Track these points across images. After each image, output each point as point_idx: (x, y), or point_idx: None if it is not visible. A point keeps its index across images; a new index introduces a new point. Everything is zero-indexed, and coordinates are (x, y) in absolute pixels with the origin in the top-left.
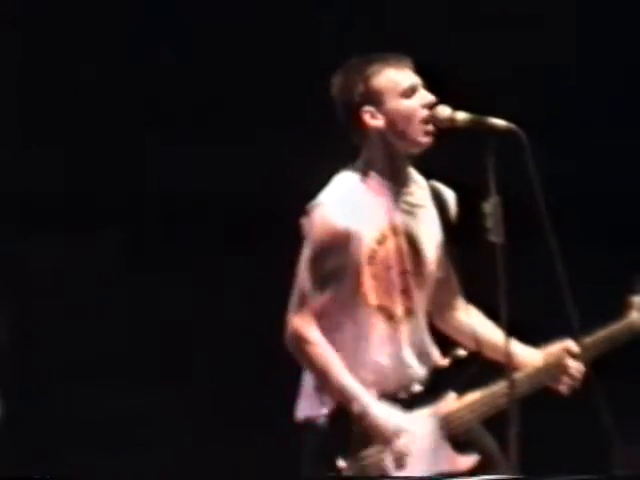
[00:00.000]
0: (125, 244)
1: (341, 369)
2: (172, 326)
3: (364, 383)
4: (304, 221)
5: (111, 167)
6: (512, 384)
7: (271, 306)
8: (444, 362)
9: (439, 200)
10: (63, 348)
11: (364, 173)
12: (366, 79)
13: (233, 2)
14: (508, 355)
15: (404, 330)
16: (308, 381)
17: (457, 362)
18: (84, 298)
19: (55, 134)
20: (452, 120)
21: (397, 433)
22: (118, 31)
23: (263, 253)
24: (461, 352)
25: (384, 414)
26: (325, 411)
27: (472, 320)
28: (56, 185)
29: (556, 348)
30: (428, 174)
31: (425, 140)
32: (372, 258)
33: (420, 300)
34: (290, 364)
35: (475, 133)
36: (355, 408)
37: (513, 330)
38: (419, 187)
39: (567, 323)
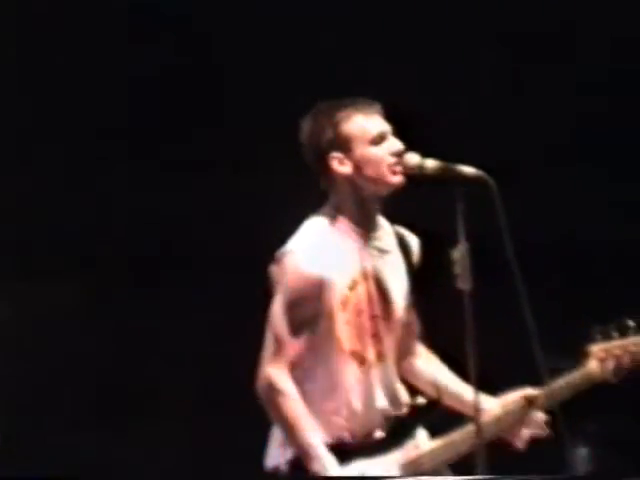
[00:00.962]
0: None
1: (308, 426)
2: (140, 361)
3: (336, 428)
4: (273, 268)
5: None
6: (480, 431)
7: (240, 346)
8: (413, 405)
9: (403, 245)
10: (31, 387)
11: (333, 218)
12: (335, 125)
13: None
14: (477, 404)
15: (375, 374)
16: (278, 429)
17: (417, 410)
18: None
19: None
20: (421, 167)
21: None
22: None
23: (231, 296)
24: (421, 400)
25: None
26: (288, 457)
27: (431, 367)
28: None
29: (514, 397)
30: (395, 220)
31: (395, 180)
32: (344, 304)
33: (390, 344)
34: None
35: (444, 180)
36: (315, 469)
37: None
38: (385, 232)
39: (527, 370)
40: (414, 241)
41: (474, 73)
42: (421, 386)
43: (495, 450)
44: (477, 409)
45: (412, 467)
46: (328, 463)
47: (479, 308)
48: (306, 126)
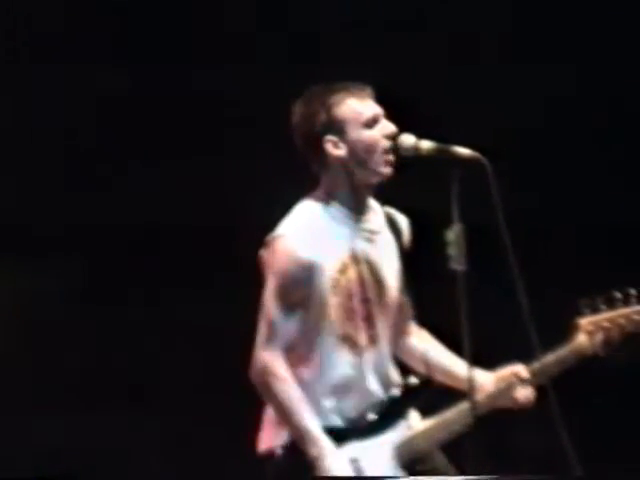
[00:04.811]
0: (86, 275)
1: (304, 410)
2: (135, 356)
3: (329, 412)
4: (263, 253)
5: (72, 196)
6: (474, 409)
7: (234, 335)
8: (405, 386)
9: (393, 226)
10: (23, 377)
11: (325, 202)
12: (328, 108)
13: None
14: (472, 384)
15: (368, 358)
16: (270, 413)
17: (410, 389)
18: (44, 327)
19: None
20: (416, 149)
21: None
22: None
23: (224, 283)
24: (413, 380)
25: (338, 464)
26: (283, 441)
27: (424, 344)
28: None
29: (505, 373)
30: (388, 201)
31: (386, 171)
32: (335, 287)
33: (383, 327)
34: (254, 395)
35: (439, 161)
36: (312, 452)
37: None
38: (375, 213)
39: (517, 347)
40: (403, 221)
41: (465, 55)
42: (414, 364)
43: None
44: (472, 389)
45: (406, 448)
46: (325, 446)
47: (473, 288)
48: (298, 110)
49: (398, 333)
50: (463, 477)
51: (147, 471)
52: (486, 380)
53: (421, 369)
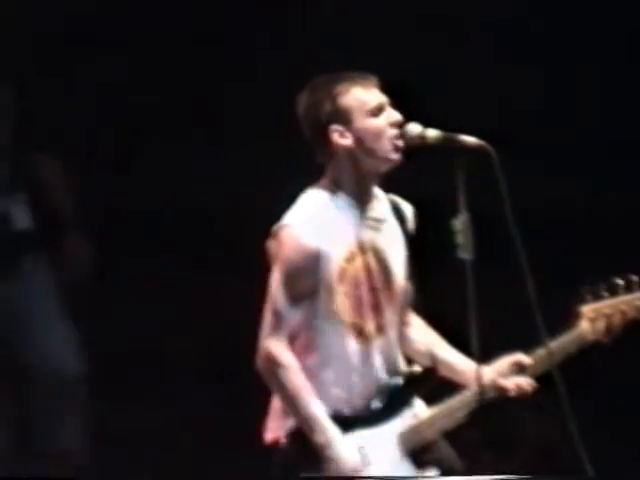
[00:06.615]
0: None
1: (310, 397)
2: (137, 346)
3: (335, 400)
4: (270, 243)
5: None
6: (481, 397)
7: (241, 319)
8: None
9: (398, 214)
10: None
11: (332, 191)
12: (334, 98)
13: None
14: (479, 373)
15: (375, 346)
16: (276, 402)
17: (413, 378)
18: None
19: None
20: (423, 137)
21: (355, 471)
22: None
23: (232, 270)
24: (417, 368)
25: (346, 451)
26: (287, 430)
27: (423, 337)
28: None
29: (508, 361)
30: (395, 190)
31: (395, 157)
32: (342, 276)
33: (390, 316)
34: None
35: (445, 150)
36: (319, 439)
37: (465, 343)
38: (380, 201)
39: (517, 336)
40: (408, 209)
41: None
42: (413, 355)
43: None
44: (479, 376)
45: (411, 436)
46: (332, 434)
47: (479, 277)
48: (304, 100)
49: (401, 321)
50: (468, 477)
51: (149, 463)
52: (487, 370)
53: (420, 361)
